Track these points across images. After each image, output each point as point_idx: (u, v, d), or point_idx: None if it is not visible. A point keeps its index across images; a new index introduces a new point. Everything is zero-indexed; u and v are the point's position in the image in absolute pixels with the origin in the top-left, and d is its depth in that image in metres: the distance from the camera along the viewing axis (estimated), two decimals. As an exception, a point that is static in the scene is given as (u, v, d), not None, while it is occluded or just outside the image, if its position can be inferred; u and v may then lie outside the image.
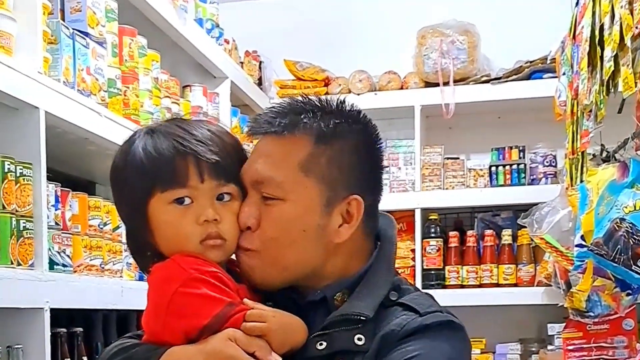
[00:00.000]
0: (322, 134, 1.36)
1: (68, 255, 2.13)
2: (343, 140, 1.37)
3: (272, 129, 1.37)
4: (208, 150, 1.33)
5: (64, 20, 2.16)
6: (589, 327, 3.18)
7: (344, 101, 1.41)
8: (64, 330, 2.14)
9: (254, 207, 1.36)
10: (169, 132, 1.34)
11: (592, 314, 3.01)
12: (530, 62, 3.85)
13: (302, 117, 1.37)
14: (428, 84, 4.03)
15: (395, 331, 1.30)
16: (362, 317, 1.31)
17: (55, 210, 2.08)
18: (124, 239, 2.44)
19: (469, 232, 3.98)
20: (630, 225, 2.06)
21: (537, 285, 3.80)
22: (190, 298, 1.27)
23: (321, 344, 1.30)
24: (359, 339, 1.30)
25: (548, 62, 3.62)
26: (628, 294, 2.56)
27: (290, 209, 1.35)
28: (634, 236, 2.05)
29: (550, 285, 3.59)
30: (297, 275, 1.37)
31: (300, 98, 1.42)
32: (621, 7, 1.84)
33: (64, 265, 2.10)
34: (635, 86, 1.88)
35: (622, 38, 1.88)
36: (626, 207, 2.09)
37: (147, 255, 1.39)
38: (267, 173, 1.35)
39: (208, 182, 1.33)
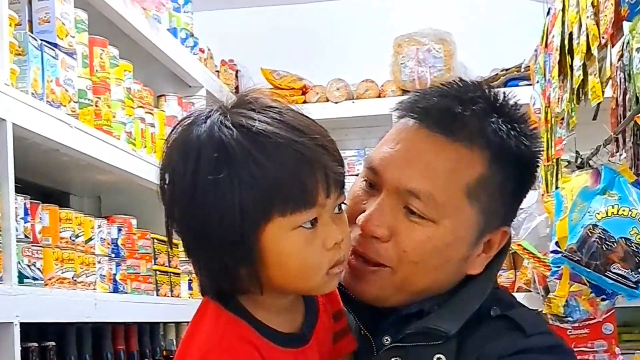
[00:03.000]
0: (499, 153, 1.13)
1: (38, 269, 2.10)
2: (515, 164, 1.15)
3: (449, 127, 1.12)
4: (332, 157, 1.05)
5: (32, 31, 2.14)
6: (570, 332, 3.19)
7: (519, 107, 1.17)
8: (36, 344, 2.11)
9: (389, 215, 1.14)
10: (277, 133, 1.02)
11: (570, 319, 3.02)
12: (506, 70, 3.87)
13: (484, 124, 1.12)
14: (405, 92, 4.02)
15: (495, 349, 1.12)
16: (443, 333, 1.12)
17: (25, 222, 2.05)
18: (97, 251, 2.44)
19: (449, 240, 3.98)
20: (603, 231, 2.06)
21: (517, 291, 3.80)
22: None
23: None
24: (439, 359, 1.12)
25: (522, 70, 3.64)
26: (603, 299, 2.56)
27: (441, 235, 1.13)
28: (607, 242, 2.05)
29: (530, 291, 3.59)
30: (418, 298, 1.18)
31: (477, 90, 1.15)
32: (587, 17, 1.85)
33: (34, 279, 2.07)
34: (603, 95, 1.89)
35: (589, 48, 1.88)
36: (598, 214, 2.09)
37: (220, 287, 1.09)
38: (427, 188, 1.12)
39: (333, 195, 1.06)
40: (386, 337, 1.17)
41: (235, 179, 1.01)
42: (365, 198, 1.18)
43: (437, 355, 1.12)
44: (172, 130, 1.10)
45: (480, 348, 1.12)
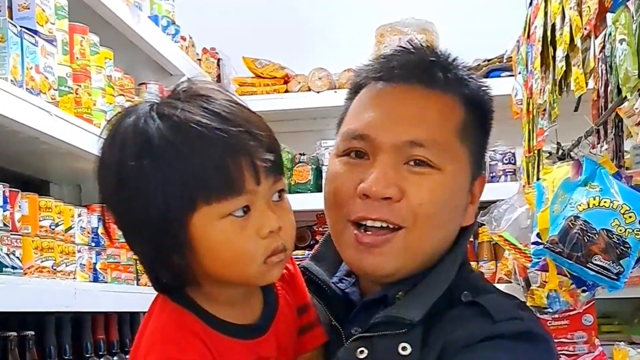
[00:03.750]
0: (469, 98, 1.18)
1: (18, 257, 2.08)
2: (480, 108, 1.20)
3: (424, 78, 1.15)
4: (259, 143, 1.04)
5: (11, 18, 2.11)
6: (550, 323, 3.20)
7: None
8: (15, 334, 2.10)
9: (394, 174, 1.13)
10: (199, 121, 1.01)
11: (550, 310, 3.03)
12: (488, 60, 3.86)
13: (450, 74, 1.18)
14: (388, 82, 4.02)
15: (463, 337, 1.11)
16: (406, 321, 1.12)
17: (4, 211, 2.03)
18: (77, 240, 2.42)
19: (430, 230, 3.98)
20: (584, 222, 2.06)
21: (497, 282, 3.81)
22: None
23: (362, 351, 1.12)
24: (404, 349, 1.10)
25: (505, 60, 3.64)
26: (583, 291, 2.57)
27: (448, 182, 1.15)
28: (588, 234, 2.06)
29: (511, 282, 3.60)
30: (422, 266, 1.17)
31: (428, 49, 1.21)
32: (570, 8, 1.85)
33: (13, 268, 2.06)
34: (586, 86, 1.89)
35: (572, 39, 1.88)
36: (580, 205, 2.09)
37: (159, 279, 1.09)
38: (428, 134, 1.14)
39: (265, 182, 1.04)
40: (355, 328, 1.16)
41: (157, 169, 1.01)
42: (354, 171, 1.17)
43: (402, 344, 1.11)
44: (106, 124, 1.11)
45: (448, 334, 1.11)
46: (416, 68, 1.18)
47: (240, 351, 1.08)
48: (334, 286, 1.23)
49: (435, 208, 1.14)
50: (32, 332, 2.20)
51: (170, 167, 1.01)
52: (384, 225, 1.15)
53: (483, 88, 1.22)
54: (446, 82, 1.18)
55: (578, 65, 1.88)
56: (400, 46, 1.24)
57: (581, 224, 2.07)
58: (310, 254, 1.29)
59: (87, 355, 2.50)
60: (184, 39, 3.53)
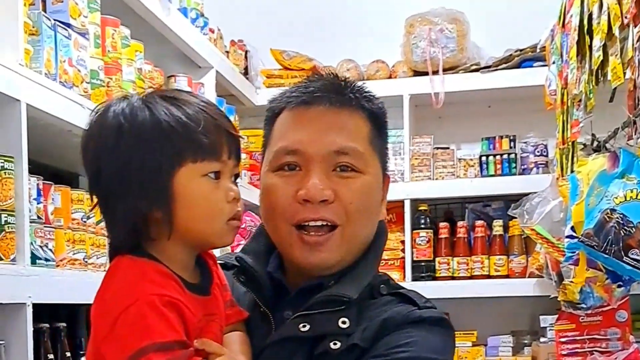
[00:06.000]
0: (371, 114, 1.38)
1: (50, 250, 2.09)
2: (378, 121, 1.40)
3: (338, 99, 1.36)
4: (234, 129, 1.27)
5: (45, 11, 2.11)
6: (582, 319, 3.17)
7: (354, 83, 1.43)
8: (47, 325, 2.11)
9: (326, 180, 1.33)
10: (190, 99, 1.25)
11: (584, 305, 3.00)
12: (520, 50, 3.82)
13: (354, 95, 1.38)
14: (417, 73, 3.99)
15: (396, 318, 1.31)
16: (345, 298, 1.30)
17: (38, 203, 2.04)
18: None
19: (460, 223, 3.95)
20: (621, 216, 2.04)
21: (528, 277, 3.77)
22: (139, 320, 1.14)
23: (304, 326, 1.29)
24: (343, 322, 1.29)
25: (538, 50, 3.59)
26: (619, 286, 2.54)
27: (370, 182, 1.36)
28: (625, 227, 2.03)
29: (542, 277, 3.57)
30: (353, 258, 1.36)
31: (330, 74, 1.42)
32: (609, -3, 1.82)
33: (46, 260, 2.07)
34: (624, 76, 1.86)
35: (610, 28, 1.85)
36: (616, 198, 2.07)
37: (135, 234, 1.22)
38: (349, 144, 1.34)
39: (232, 159, 1.26)
40: (287, 312, 1.33)
41: (155, 126, 1.20)
42: (289, 182, 1.34)
43: (342, 319, 1.29)
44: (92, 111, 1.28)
45: (379, 316, 1.31)
46: (331, 91, 1.37)
47: (195, 304, 1.22)
48: (265, 277, 1.38)
49: (363, 206, 1.35)
50: (64, 324, 2.21)
51: (169, 125, 1.20)
52: (324, 224, 1.33)
53: (379, 104, 1.42)
54: (355, 101, 1.37)
55: (616, 55, 1.85)
56: (314, 73, 1.48)
57: (617, 217, 2.05)
58: (241, 248, 1.45)
59: (117, 347, 2.51)
60: (212, 31, 3.52)
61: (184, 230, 1.23)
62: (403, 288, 1.41)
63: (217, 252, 1.41)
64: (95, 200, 1.26)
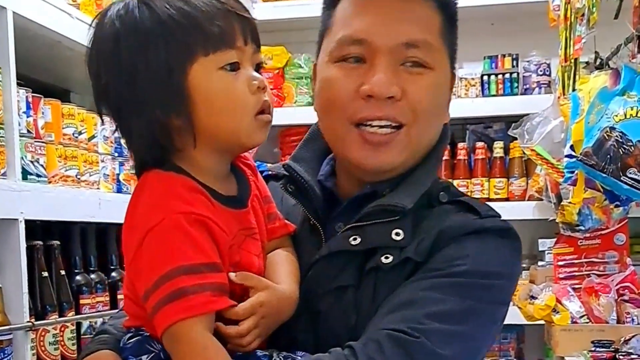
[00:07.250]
0: (444, 3, 1.26)
1: (42, 165, 2.07)
2: (454, 11, 1.28)
3: None
4: (246, 12, 1.13)
5: None
6: (580, 242, 3.15)
7: None
8: (40, 242, 2.10)
9: (393, 75, 1.19)
10: None
11: (582, 227, 2.98)
12: (525, -35, 3.71)
13: None
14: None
15: (454, 228, 1.19)
16: (398, 208, 1.19)
17: (27, 117, 2.01)
18: (100, 149, 2.39)
19: (460, 145, 3.89)
20: (620, 134, 2.00)
21: (528, 200, 3.75)
22: (168, 239, 1.06)
23: (355, 239, 1.19)
24: (397, 234, 1.18)
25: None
26: (616, 206, 2.51)
27: (439, 80, 1.23)
28: (624, 145, 1.99)
29: (542, 200, 3.54)
30: (415, 162, 1.25)
31: None
32: None
33: (37, 175, 2.05)
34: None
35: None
36: (617, 116, 2.02)
37: (158, 147, 1.12)
38: (420, 35, 1.21)
39: (250, 45, 1.13)
40: (339, 224, 1.23)
41: (156, 24, 1.08)
42: (352, 75, 1.22)
43: (396, 230, 1.19)
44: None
45: (436, 226, 1.20)
46: None
47: (229, 218, 1.13)
48: (315, 187, 1.28)
49: (431, 105, 1.22)
50: (58, 242, 2.20)
51: (171, 19, 1.08)
52: (387, 123, 1.21)
53: None
54: None
55: (621, -34, 1.78)
56: None
57: (617, 136, 2.00)
58: (291, 156, 1.34)
59: (112, 267, 2.51)
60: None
61: (209, 133, 1.11)
62: (465, 195, 1.29)
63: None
64: (109, 119, 1.16)
